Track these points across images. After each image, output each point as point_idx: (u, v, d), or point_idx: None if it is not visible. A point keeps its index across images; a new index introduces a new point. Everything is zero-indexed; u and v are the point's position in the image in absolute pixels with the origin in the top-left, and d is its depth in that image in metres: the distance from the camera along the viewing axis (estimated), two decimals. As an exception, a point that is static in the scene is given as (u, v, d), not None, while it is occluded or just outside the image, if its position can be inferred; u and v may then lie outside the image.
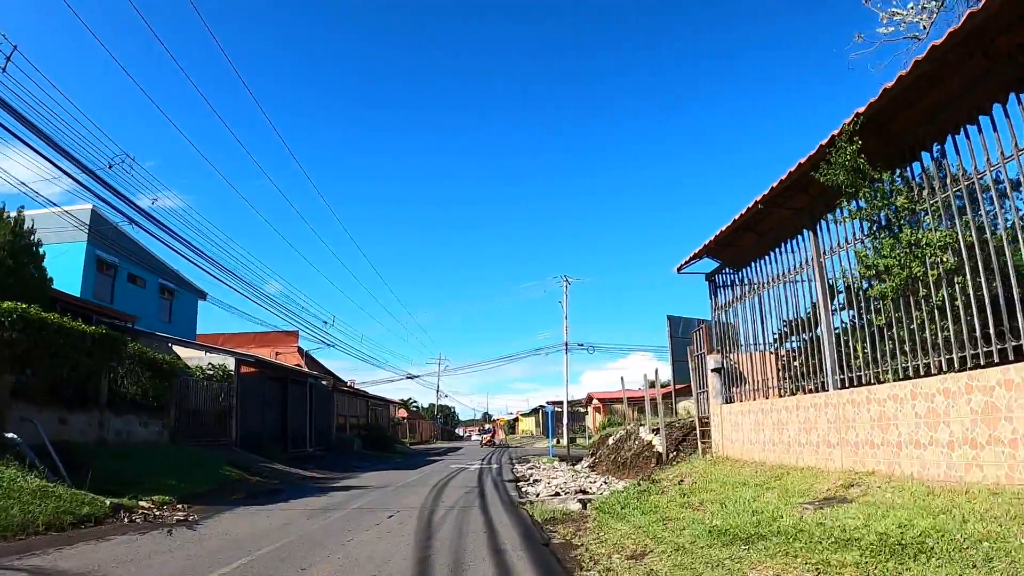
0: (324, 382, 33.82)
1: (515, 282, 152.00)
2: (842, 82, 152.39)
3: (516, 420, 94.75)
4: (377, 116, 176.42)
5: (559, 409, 60.75)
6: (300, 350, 35.56)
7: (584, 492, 13.87)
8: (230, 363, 22.11)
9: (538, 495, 13.09)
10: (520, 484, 16.09)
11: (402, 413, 72.88)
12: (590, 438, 47.49)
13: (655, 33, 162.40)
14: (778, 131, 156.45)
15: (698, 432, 14.16)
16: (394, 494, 13.40)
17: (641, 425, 20.79)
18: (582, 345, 47.87)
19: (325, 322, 28.91)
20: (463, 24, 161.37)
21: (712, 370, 12.90)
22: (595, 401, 52.50)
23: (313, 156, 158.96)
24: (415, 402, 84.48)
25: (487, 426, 66.10)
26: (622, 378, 24.34)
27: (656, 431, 19.25)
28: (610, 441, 23.38)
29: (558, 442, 47.19)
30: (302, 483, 16.77)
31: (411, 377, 51.44)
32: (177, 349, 22.72)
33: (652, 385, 20.95)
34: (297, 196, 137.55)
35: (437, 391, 68.20)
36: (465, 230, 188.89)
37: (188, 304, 31.51)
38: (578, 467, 24.04)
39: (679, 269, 13.34)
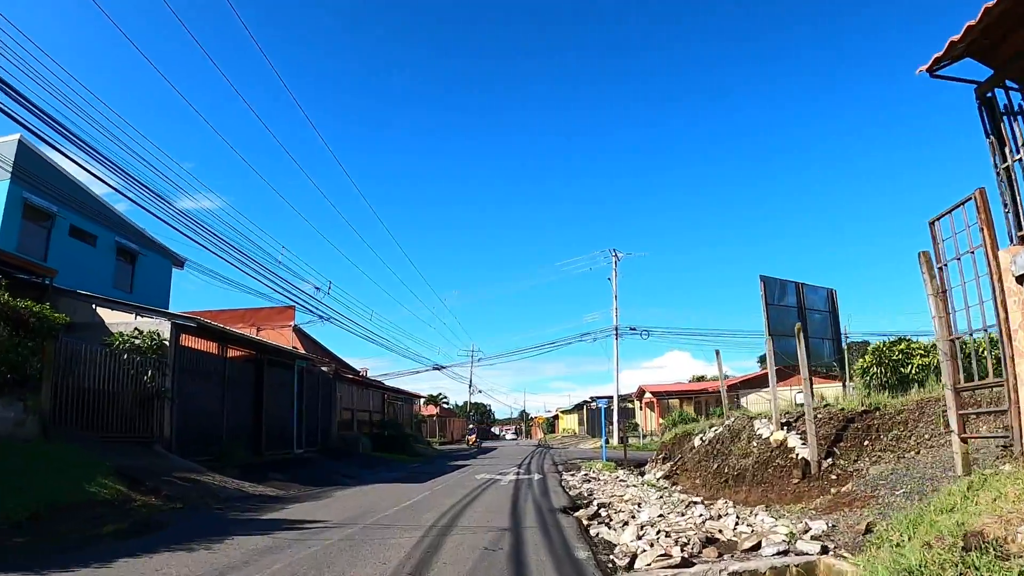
0: (325, 368, 27.45)
1: (556, 259, 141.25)
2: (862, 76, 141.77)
3: (556, 418, 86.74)
4: (389, 111, 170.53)
5: (607, 405, 53.73)
6: (296, 329, 29.26)
7: (711, 541, 7.06)
8: (165, 329, 15.75)
9: (633, 558, 6.26)
10: (581, 515, 9.30)
11: (430, 410, 66.52)
12: (644, 437, 40.58)
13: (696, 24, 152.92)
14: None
15: (954, 418, 7.16)
16: (340, 555, 6.64)
17: (756, 418, 13.82)
18: (634, 329, 40.75)
19: (318, 288, 22.18)
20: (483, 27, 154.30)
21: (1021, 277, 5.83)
22: (647, 395, 45.26)
23: (338, 149, 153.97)
24: (445, 398, 78.10)
25: (471, 426, 58.38)
26: (717, 352, 17.09)
27: (787, 425, 12.32)
28: (696, 441, 16.46)
29: (607, 442, 40.31)
30: (221, 510, 10.25)
31: (438, 368, 44.85)
32: (102, 312, 16.59)
33: (805, 371, 14.07)
34: (328, 186, 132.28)
35: (470, 385, 61.42)
36: (498, 208, 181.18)
37: (157, 271, 25.35)
38: (648, 476, 17.23)
39: (930, 70, 6.34)
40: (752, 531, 7.53)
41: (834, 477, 10.25)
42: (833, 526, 7.50)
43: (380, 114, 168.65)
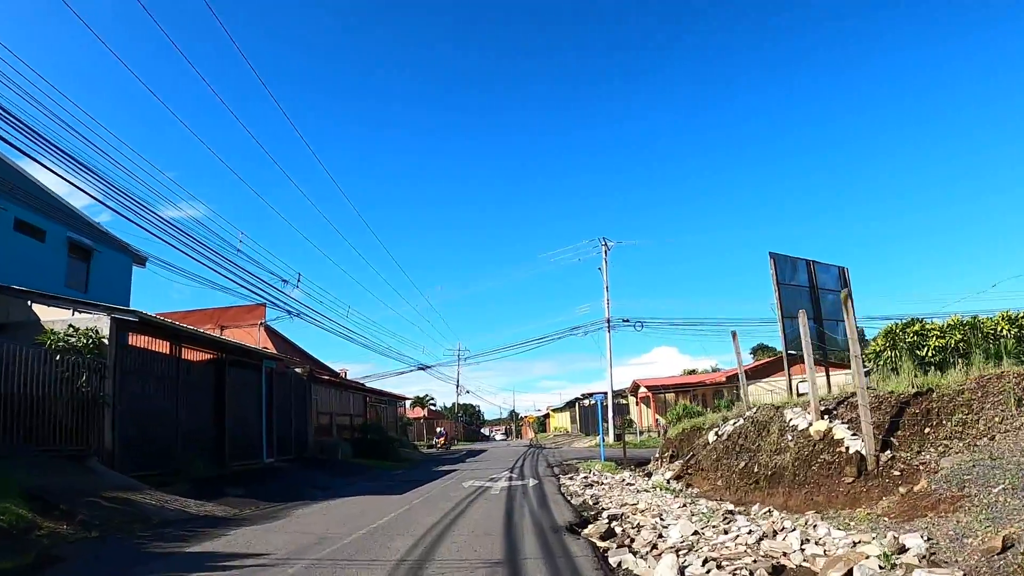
0: (299, 370, 25.38)
1: (541, 250, 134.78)
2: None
3: (547, 417, 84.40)
4: (378, 110, 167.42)
5: (604, 401, 51.68)
6: (267, 328, 27.19)
7: (779, 570, 5.27)
8: (104, 325, 13.73)
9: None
10: (592, 534, 7.45)
11: (417, 412, 64.50)
12: (641, 434, 38.82)
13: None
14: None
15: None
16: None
17: (786, 407, 11.99)
18: (627, 321, 39.08)
19: (285, 281, 20.01)
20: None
21: None
22: (642, 390, 43.49)
23: (317, 144, 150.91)
24: (432, 400, 75.99)
25: (439, 429, 53.72)
26: (734, 334, 15.17)
27: (827, 413, 10.51)
28: (709, 437, 14.68)
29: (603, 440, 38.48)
30: (144, 539, 8.28)
31: (423, 367, 42.90)
32: (38, 309, 14.61)
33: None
34: (318, 188, 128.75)
35: (457, 385, 59.46)
36: (480, 203, 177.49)
37: (116, 269, 23.15)
38: (656, 477, 15.43)
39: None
40: (825, 552, 5.71)
41: (897, 473, 8.49)
42: (930, 539, 5.71)
43: (375, 113, 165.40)
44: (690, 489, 13.17)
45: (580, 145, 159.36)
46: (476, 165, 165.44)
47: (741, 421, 13.10)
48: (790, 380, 16.81)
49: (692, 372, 59.20)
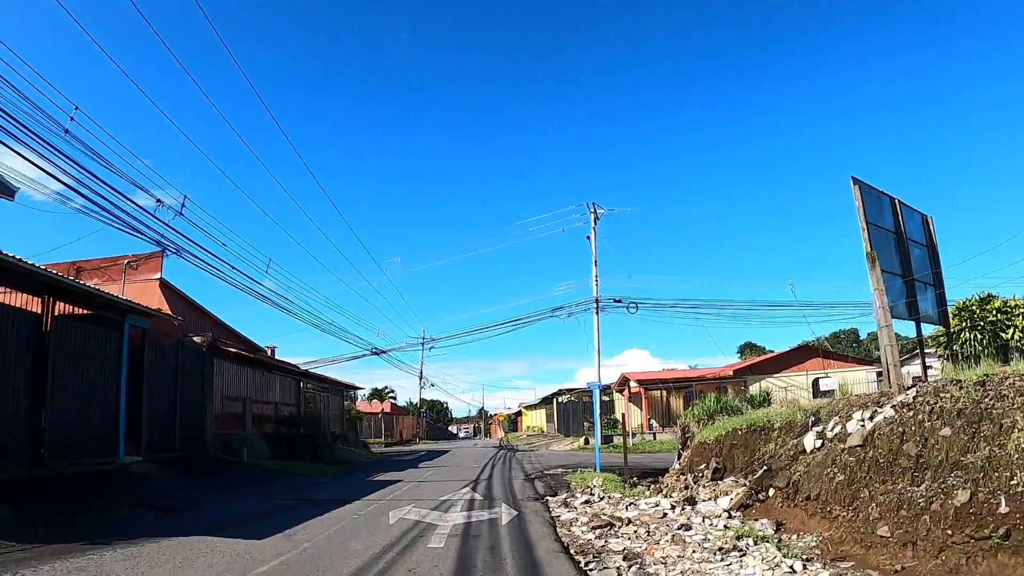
0: (197, 338, 19.04)
1: (518, 218, 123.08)
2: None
3: (519, 415, 75.83)
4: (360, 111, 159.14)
5: (573, 399, 45.68)
6: (166, 284, 20.79)
7: None
8: None
9: None
10: None
11: (375, 406, 57.98)
12: (632, 436, 33.12)
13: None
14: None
15: None
16: None
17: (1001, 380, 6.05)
18: (619, 301, 33.09)
19: (160, 201, 13.47)
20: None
21: None
22: (632, 385, 37.58)
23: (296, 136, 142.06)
24: (392, 393, 69.33)
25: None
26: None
27: None
28: (807, 440, 8.93)
29: (586, 442, 32.63)
30: None
31: (377, 352, 36.49)
32: None
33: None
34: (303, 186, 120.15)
35: (420, 377, 53.01)
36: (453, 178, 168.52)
37: None
38: (706, 505, 9.52)
39: None
40: None
41: None
42: None
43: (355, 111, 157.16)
44: (792, 536, 7.31)
45: (577, 140, 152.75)
46: (468, 158, 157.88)
47: (890, 412, 7.23)
48: (898, 366, 11.05)
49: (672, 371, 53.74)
